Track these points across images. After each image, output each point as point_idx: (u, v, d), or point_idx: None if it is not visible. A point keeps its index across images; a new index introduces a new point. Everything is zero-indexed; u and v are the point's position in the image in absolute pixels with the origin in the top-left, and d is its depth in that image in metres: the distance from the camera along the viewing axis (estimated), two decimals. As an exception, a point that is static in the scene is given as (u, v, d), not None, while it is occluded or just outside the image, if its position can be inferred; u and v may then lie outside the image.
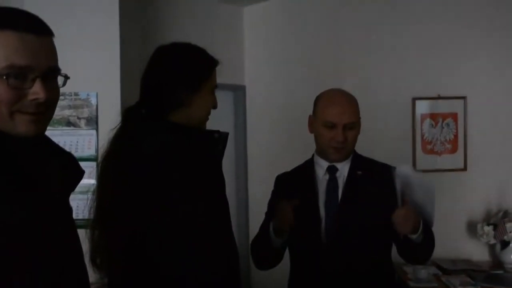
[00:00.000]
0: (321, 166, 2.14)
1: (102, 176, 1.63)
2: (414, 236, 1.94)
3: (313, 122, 2.14)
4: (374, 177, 2.10)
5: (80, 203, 2.84)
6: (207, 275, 1.49)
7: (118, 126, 1.65)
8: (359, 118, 2.12)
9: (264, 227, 2.19)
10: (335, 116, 2.04)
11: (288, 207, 1.95)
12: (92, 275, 1.63)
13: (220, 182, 1.60)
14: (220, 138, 1.64)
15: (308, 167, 2.19)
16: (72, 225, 1.31)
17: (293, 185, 2.19)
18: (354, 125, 2.06)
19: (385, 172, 2.11)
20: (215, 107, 1.72)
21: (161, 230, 1.49)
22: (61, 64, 3.23)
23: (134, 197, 1.52)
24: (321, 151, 2.15)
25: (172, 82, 1.61)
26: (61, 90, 3.28)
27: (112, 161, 1.60)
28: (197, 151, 1.56)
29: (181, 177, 1.50)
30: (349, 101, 2.11)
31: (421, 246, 2.00)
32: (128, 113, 1.65)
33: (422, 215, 1.97)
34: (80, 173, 1.38)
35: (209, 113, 1.71)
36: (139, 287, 1.55)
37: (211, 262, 1.50)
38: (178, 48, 1.68)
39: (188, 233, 1.48)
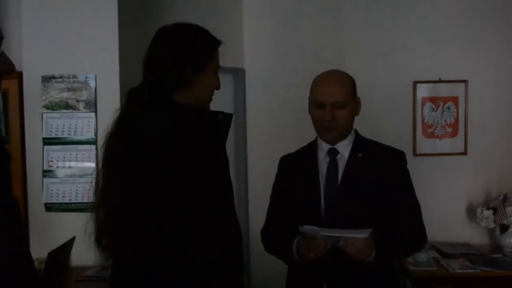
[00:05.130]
0: (323, 148, 2.15)
1: (106, 157, 1.62)
2: (370, 258, 1.94)
3: (309, 104, 2.16)
4: (375, 159, 2.10)
5: (80, 186, 2.87)
6: (210, 255, 1.50)
7: (122, 107, 1.64)
8: (353, 97, 2.11)
9: (271, 211, 2.23)
10: (323, 95, 2.06)
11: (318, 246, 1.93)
12: (97, 256, 1.64)
13: (224, 163, 1.60)
14: (224, 119, 1.64)
15: (311, 149, 2.19)
16: None
17: (296, 166, 2.20)
18: (343, 104, 2.05)
19: (388, 154, 2.11)
20: (218, 88, 1.72)
21: (165, 210, 1.49)
22: (60, 47, 3.21)
23: (138, 177, 1.52)
24: (316, 132, 2.16)
25: (176, 62, 1.60)
26: (60, 72, 3.26)
27: (116, 142, 1.60)
28: (201, 132, 1.56)
29: (185, 157, 1.50)
30: (339, 81, 2.10)
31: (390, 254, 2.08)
32: (132, 94, 1.64)
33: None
34: None
35: (212, 94, 1.71)
36: (143, 268, 1.56)
37: (215, 243, 1.51)
38: (181, 29, 1.67)
39: (191, 214, 1.48)
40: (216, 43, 1.69)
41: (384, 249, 1.95)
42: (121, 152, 1.57)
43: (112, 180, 1.59)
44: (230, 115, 1.66)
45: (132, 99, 1.63)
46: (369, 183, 2.05)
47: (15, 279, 1.29)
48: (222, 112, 1.64)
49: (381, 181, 2.05)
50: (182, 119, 1.57)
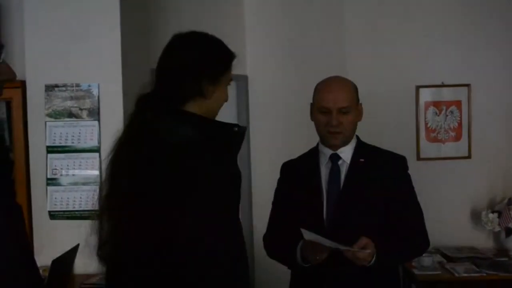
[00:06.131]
0: (325, 154, 2.15)
1: (113, 165, 1.56)
2: (371, 263, 1.94)
3: (312, 110, 2.16)
4: (377, 165, 2.10)
5: (84, 194, 2.88)
6: (217, 267, 1.49)
7: (132, 114, 1.59)
8: (357, 103, 2.13)
9: (274, 217, 2.23)
10: (328, 101, 2.07)
11: (321, 249, 1.93)
12: (98, 266, 1.63)
13: (237, 176, 1.58)
14: (239, 132, 1.63)
15: (312, 155, 2.20)
16: None
17: (298, 172, 2.20)
18: (348, 110, 2.07)
19: (389, 159, 2.12)
20: (226, 100, 1.70)
21: (172, 222, 1.47)
22: (63, 56, 3.23)
23: (148, 187, 1.48)
24: (320, 138, 2.17)
25: (194, 71, 1.57)
26: (63, 81, 3.27)
27: (126, 150, 1.55)
28: (220, 143, 1.55)
29: (204, 168, 1.48)
30: (343, 86, 2.12)
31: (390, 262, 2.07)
32: (142, 101, 1.59)
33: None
34: None
35: (222, 106, 1.69)
36: (147, 278, 1.54)
37: (220, 256, 1.49)
38: (198, 38, 1.64)
39: (199, 227, 1.46)
40: (232, 56, 1.66)
41: (385, 254, 1.95)
42: (131, 160, 1.52)
43: (120, 188, 1.54)
44: (244, 128, 1.65)
45: (143, 106, 1.58)
46: (371, 188, 2.05)
47: (19, 285, 1.29)
48: (237, 125, 1.63)
49: (383, 186, 2.05)
50: (203, 130, 1.55)
